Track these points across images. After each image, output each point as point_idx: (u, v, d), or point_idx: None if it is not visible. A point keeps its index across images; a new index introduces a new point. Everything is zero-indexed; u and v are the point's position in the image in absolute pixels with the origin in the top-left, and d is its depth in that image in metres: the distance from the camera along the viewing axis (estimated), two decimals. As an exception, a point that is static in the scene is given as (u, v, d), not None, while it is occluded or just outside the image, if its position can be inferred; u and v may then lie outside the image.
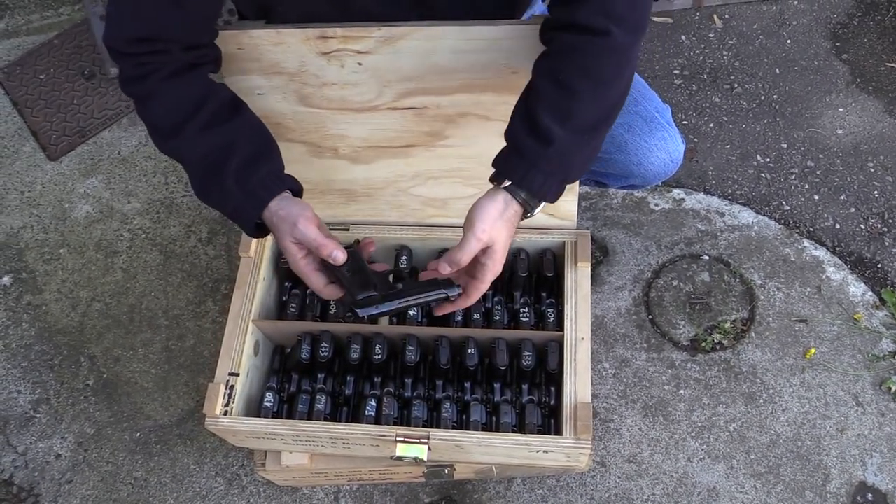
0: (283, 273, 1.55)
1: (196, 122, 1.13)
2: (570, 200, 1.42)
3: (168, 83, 1.12)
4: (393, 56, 1.22)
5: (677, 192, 1.96)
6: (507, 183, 1.07)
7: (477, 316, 1.46)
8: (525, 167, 1.06)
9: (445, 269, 1.11)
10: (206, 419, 1.34)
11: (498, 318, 1.46)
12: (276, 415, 1.43)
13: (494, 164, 1.09)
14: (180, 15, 1.08)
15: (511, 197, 1.08)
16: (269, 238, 1.51)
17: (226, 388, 1.36)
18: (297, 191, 1.19)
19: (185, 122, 1.13)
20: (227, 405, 1.36)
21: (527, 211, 1.10)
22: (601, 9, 1.01)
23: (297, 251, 1.14)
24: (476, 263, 1.13)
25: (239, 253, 1.48)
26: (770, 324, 1.75)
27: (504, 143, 1.09)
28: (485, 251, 1.11)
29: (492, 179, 1.10)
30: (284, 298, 1.54)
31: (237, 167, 1.13)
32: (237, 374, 1.38)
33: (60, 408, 1.83)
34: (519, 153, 1.06)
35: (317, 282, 1.18)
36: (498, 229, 1.09)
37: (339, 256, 1.12)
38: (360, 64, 1.24)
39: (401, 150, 1.39)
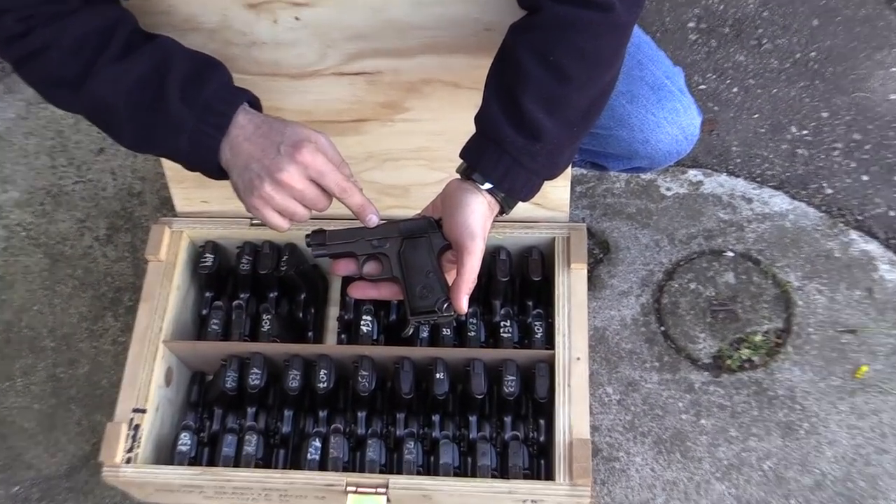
0: (203, 281, 1.54)
1: (109, 53, 1.09)
2: (561, 187, 1.43)
3: (60, 25, 1.08)
4: (338, 8, 1.21)
5: (694, 174, 1.98)
6: (488, 186, 1.08)
7: (447, 332, 1.46)
8: (507, 164, 1.07)
9: (465, 303, 1.12)
10: (104, 468, 1.33)
11: (473, 334, 1.46)
12: (194, 461, 1.42)
13: (465, 154, 1.10)
14: None
15: (493, 198, 1.09)
16: (183, 239, 1.50)
17: (129, 429, 1.35)
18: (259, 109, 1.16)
19: (94, 59, 1.09)
20: (130, 450, 1.34)
21: (502, 212, 1.12)
22: None
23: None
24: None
25: (146, 256, 1.47)
26: (811, 336, 1.78)
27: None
28: None
29: (461, 172, 1.10)
30: (204, 312, 1.53)
31: (180, 82, 1.08)
32: (144, 411, 1.37)
33: (-82, 455, 1.80)
34: (499, 147, 1.07)
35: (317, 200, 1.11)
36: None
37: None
38: (297, 18, 1.23)
39: (350, 125, 1.39)
